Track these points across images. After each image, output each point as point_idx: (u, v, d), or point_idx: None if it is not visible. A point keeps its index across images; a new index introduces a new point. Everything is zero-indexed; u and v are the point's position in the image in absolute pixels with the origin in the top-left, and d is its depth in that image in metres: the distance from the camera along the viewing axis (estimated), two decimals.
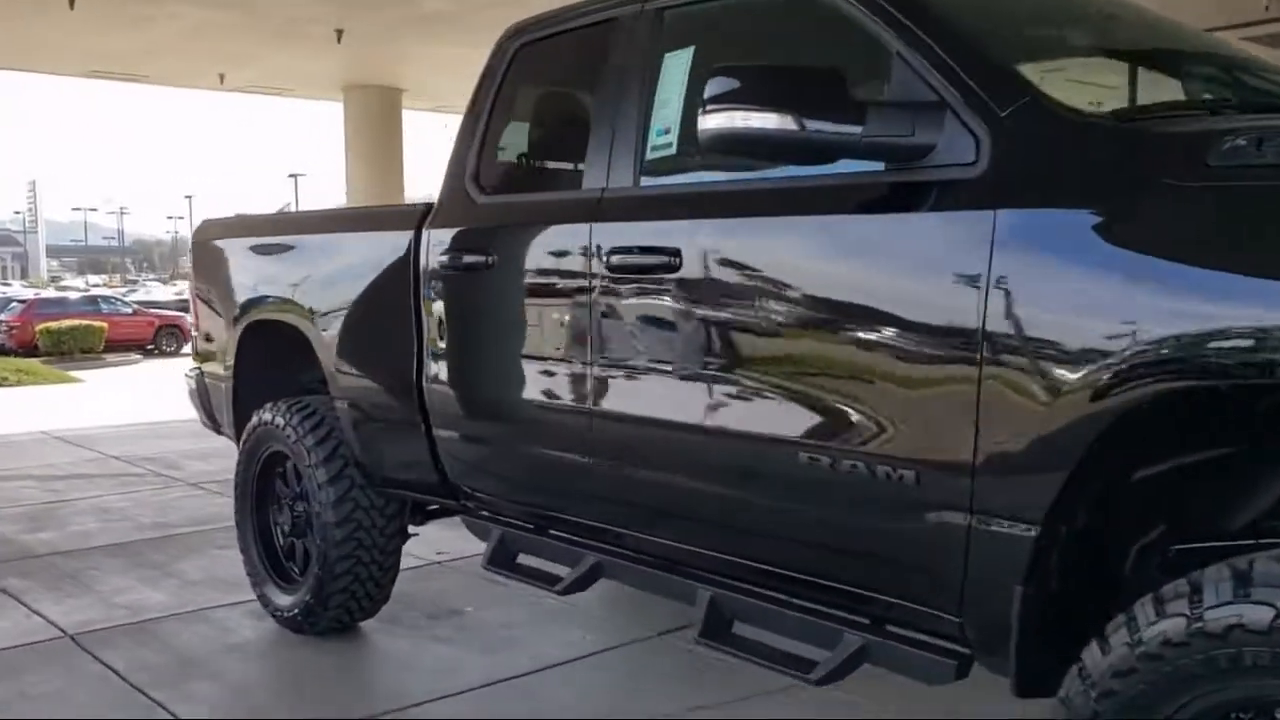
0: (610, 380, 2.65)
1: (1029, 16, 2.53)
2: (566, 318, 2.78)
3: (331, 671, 3.60)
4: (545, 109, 3.38)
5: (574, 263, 2.74)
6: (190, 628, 4.00)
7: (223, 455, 7.12)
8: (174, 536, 5.40)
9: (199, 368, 4.55)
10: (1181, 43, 2.71)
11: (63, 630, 3.97)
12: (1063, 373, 1.77)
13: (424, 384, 3.26)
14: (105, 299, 26.44)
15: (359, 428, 3.57)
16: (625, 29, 2.79)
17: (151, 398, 12.06)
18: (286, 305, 3.85)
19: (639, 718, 3.16)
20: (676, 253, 2.44)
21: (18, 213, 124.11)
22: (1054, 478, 1.80)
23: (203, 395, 4.52)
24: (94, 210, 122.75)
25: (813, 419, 2.20)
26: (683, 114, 2.58)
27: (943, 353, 1.94)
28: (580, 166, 2.90)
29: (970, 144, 1.97)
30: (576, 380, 2.74)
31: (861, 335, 2.09)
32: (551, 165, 3.40)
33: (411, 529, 3.87)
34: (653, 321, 2.54)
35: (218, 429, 4.53)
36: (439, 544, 4.77)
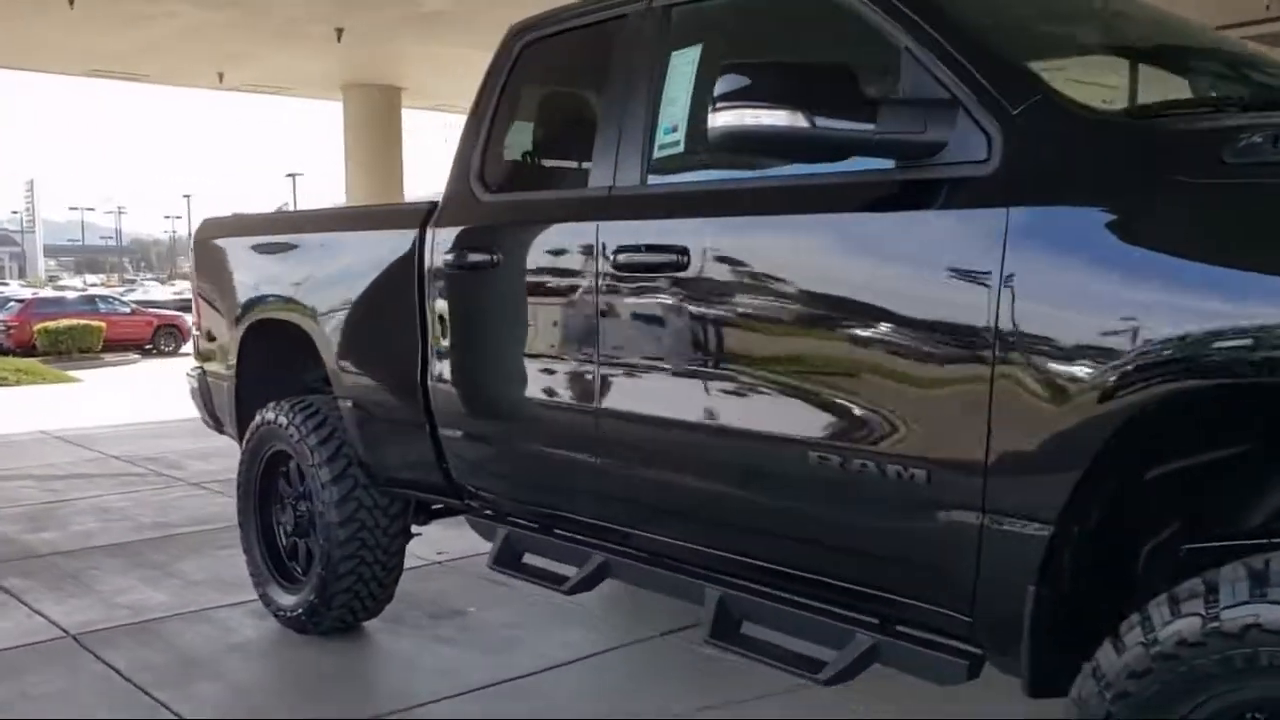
0: (617, 379, 2.64)
1: (1040, 14, 2.52)
2: (572, 316, 2.76)
3: (336, 671, 3.59)
4: (551, 107, 3.37)
5: (580, 261, 2.73)
6: (193, 628, 3.99)
7: (223, 455, 7.11)
8: (175, 536, 5.38)
9: (201, 367, 4.54)
10: (1191, 40, 2.70)
11: (65, 630, 3.95)
12: (1077, 371, 1.76)
13: (429, 383, 3.25)
14: (103, 298, 26.41)
15: (363, 427, 3.56)
16: (632, 26, 2.78)
17: (151, 397, 12.04)
18: (289, 304, 3.84)
19: (646, 718, 3.15)
20: (684, 251, 2.43)
21: (15, 212, 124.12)
22: (1068, 477, 1.79)
23: (205, 394, 4.51)
24: (91, 210, 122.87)
25: (822, 418, 2.18)
26: (690, 112, 2.57)
27: (954, 351, 1.93)
28: (586, 165, 2.89)
29: (982, 141, 1.96)
30: (582, 379, 2.73)
31: (871, 334, 2.08)
32: (557, 163, 3.39)
33: (414, 529, 3.86)
34: (660, 320, 2.53)
35: (220, 428, 4.52)
36: (439, 544, 4.76)
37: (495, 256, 3.00)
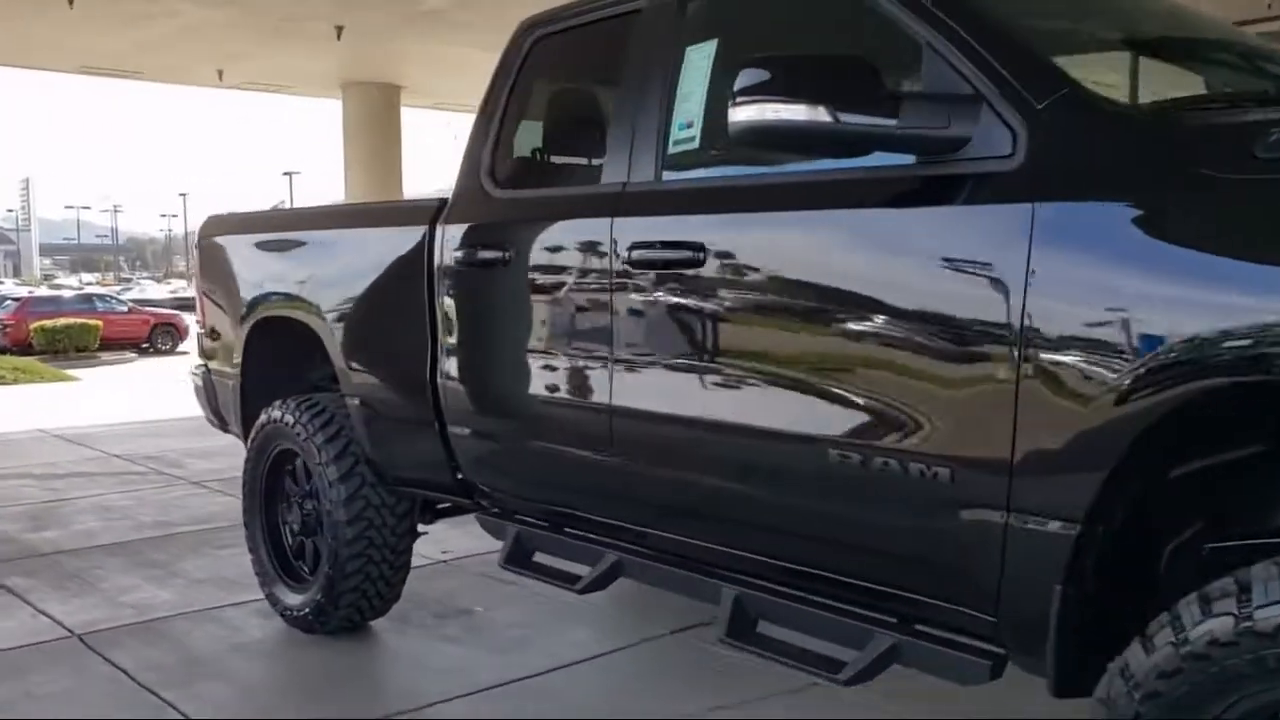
0: (632, 376, 2.62)
1: (1062, 7, 2.50)
2: (585, 314, 2.74)
3: (344, 671, 3.57)
4: (562, 102, 3.35)
5: (594, 258, 2.71)
6: (198, 627, 3.96)
7: (224, 453, 7.09)
8: (178, 535, 5.35)
9: (205, 365, 4.51)
10: (1212, 35, 2.68)
11: (69, 630, 3.93)
12: (1105, 369, 1.74)
13: (438, 381, 3.23)
14: (100, 297, 26.36)
15: (371, 425, 3.54)
16: (646, 21, 2.76)
17: (149, 396, 12.01)
18: (296, 302, 3.81)
19: (659, 718, 3.13)
20: (701, 248, 2.41)
21: (10, 210, 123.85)
22: (1096, 475, 1.77)
23: (209, 392, 4.48)
24: (87, 208, 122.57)
25: (842, 416, 2.16)
26: (706, 107, 2.55)
27: (978, 349, 1.91)
28: (598, 161, 2.87)
29: (1007, 136, 1.94)
30: (596, 376, 2.71)
31: (893, 332, 2.06)
32: (570, 160, 3.37)
33: (420, 527, 3.83)
34: (676, 317, 2.51)
35: (224, 427, 4.50)
36: (444, 543, 4.74)
37: (506, 253, 2.97)
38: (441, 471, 3.33)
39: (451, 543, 4.78)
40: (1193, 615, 1.64)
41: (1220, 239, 1.69)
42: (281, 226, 4.21)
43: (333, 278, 3.68)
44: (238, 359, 4.12)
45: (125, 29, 12.91)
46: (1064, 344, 1.80)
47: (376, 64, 15.43)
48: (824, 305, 2.21)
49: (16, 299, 25.40)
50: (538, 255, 2.93)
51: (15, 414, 10.35)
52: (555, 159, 3.34)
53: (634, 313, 2.60)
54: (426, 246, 3.24)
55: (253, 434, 4.00)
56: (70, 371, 16.76)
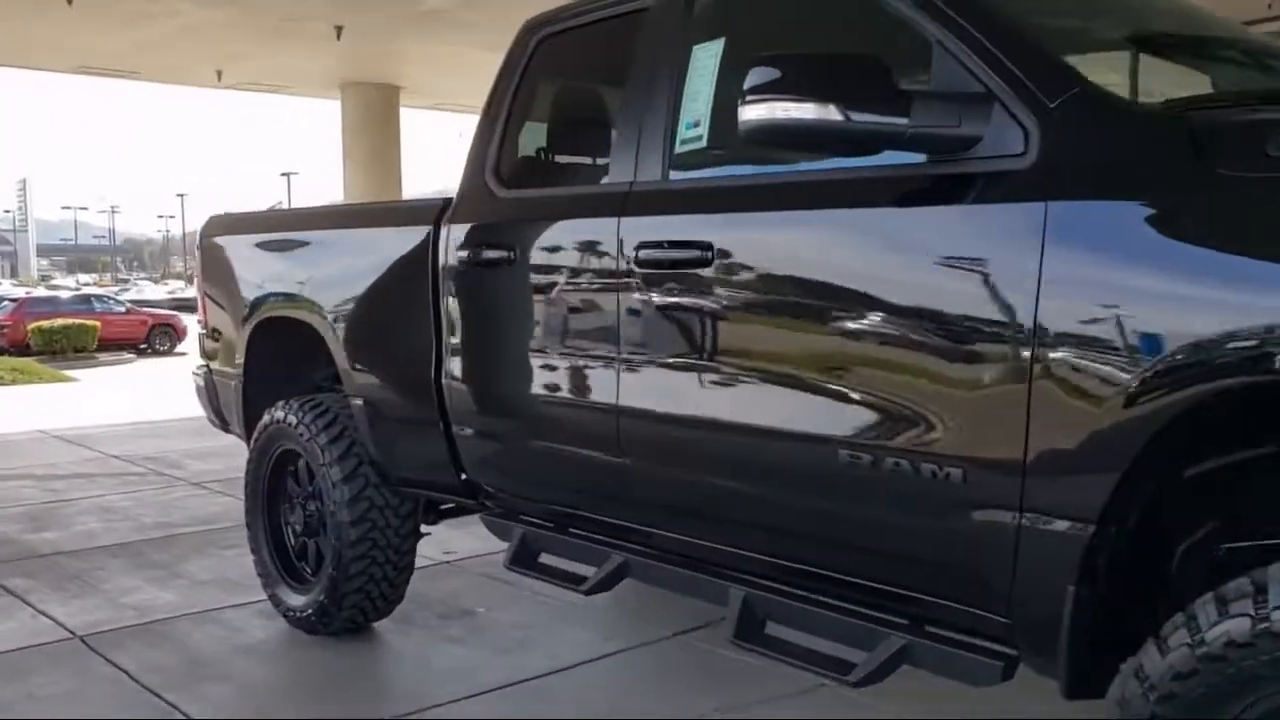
0: (639, 376, 2.60)
1: (1074, 7, 2.49)
2: (592, 313, 2.73)
3: (348, 672, 3.55)
4: (568, 102, 3.34)
5: (600, 258, 2.70)
6: (201, 628, 3.95)
7: (223, 454, 7.08)
8: (179, 536, 5.34)
9: (207, 365, 4.50)
10: (1222, 34, 2.67)
11: (71, 631, 3.91)
12: (1119, 368, 1.73)
13: (443, 381, 3.22)
14: (98, 298, 26.33)
15: (375, 426, 3.52)
16: (652, 20, 2.75)
17: (148, 397, 11.99)
18: (299, 302, 3.80)
19: (670, 717, 3.12)
20: (709, 247, 2.40)
21: (8, 211, 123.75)
22: (1110, 475, 1.76)
23: (211, 393, 4.47)
24: (84, 209, 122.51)
25: (852, 417, 2.15)
26: (713, 106, 2.54)
27: (991, 349, 1.90)
28: (604, 160, 2.85)
29: (1019, 135, 1.93)
30: (603, 377, 2.69)
31: (904, 332, 2.05)
32: (576, 159, 3.36)
33: (423, 528, 3.82)
34: (684, 317, 2.50)
35: (226, 427, 4.48)
36: (446, 544, 4.73)
37: (512, 253, 2.96)
38: (446, 472, 3.32)
39: (453, 543, 4.77)
40: (1209, 616, 1.63)
41: (1235, 238, 1.68)
42: (284, 226, 4.20)
43: (337, 278, 3.67)
44: (240, 359, 4.11)
45: (124, 28, 12.88)
46: (1077, 344, 1.79)
47: (376, 64, 15.41)
48: (832, 305, 2.19)
49: (14, 300, 25.35)
50: (543, 255, 2.92)
51: (14, 415, 10.32)
52: (560, 158, 3.33)
53: (641, 312, 2.58)
54: (431, 246, 3.23)
55: (255, 434, 3.98)
56: (68, 372, 16.73)
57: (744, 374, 2.37)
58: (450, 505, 3.65)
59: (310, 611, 3.75)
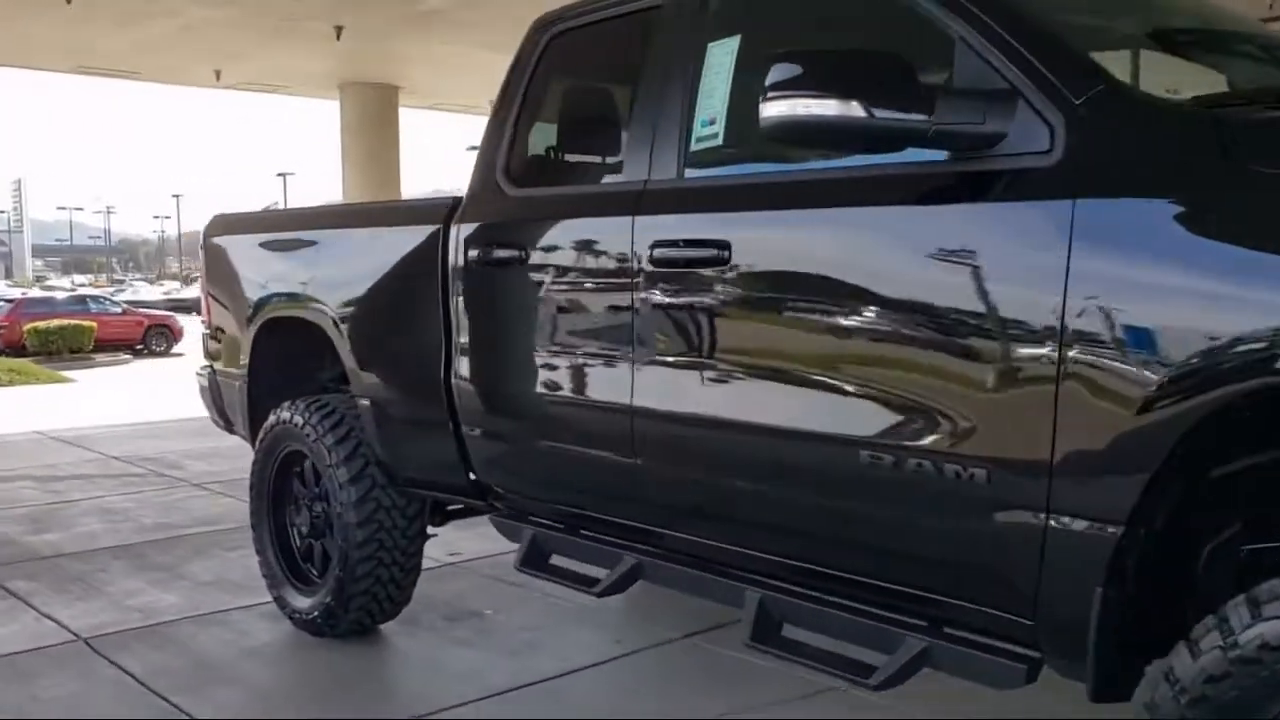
0: (654, 377, 2.58)
1: (1098, 3, 2.47)
2: (605, 313, 2.71)
3: (354, 675, 3.52)
4: (579, 100, 3.31)
5: (614, 257, 2.68)
6: (206, 630, 3.92)
7: (224, 455, 7.06)
8: (181, 537, 5.30)
9: (211, 365, 4.47)
10: (1244, 31, 2.65)
11: (75, 634, 3.88)
12: (1149, 368, 1.71)
13: (453, 382, 3.19)
14: (94, 298, 26.23)
15: (382, 426, 3.50)
16: (666, 17, 2.73)
17: (146, 397, 11.96)
18: (305, 302, 3.77)
19: (682, 717, 3.10)
20: (726, 246, 2.37)
21: (3, 212, 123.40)
22: (1140, 476, 1.74)
23: (215, 393, 4.44)
24: (80, 210, 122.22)
25: (873, 417, 2.13)
26: (729, 104, 2.52)
27: (1017, 348, 1.88)
28: (616, 159, 2.83)
29: (1044, 132, 1.91)
30: (616, 377, 2.67)
31: (926, 332, 2.03)
32: (588, 157, 3.33)
33: (430, 529, 3.79)
34: (700, 317, 2.47)
35: (230, 428, 4.45)
36: (452, 545, 4.70)
37: (523, 252, 2.94)
38: (455, 473, 3.29)
39: (459, 545, 4.74)
40: (1242, 618, 1.61)
41: (1267, 236, 1.66)
42: (290, 226, 4.17)
43: (344, 278, 3.64)
44: (245, 360, 4.08)
45: (124, 28, 12.85)
46: (1106, 343, 1.76)
47: (375, 64, 15.39)
48: (851, 305, 2.16)
49: (10, 300, 25.25)
50: (555, 254, 2.89)
51: (12, 416, 10.28)
52: (572, 157, 3.30)
53: (656, 312, 2.56)
54: (441, 246, 3.20)
55: (261, 435, 3.95)
56: (65, 373, 16.66)
57: (762, 374, 2.35)
58: (458, 506, 3.62)
59: (316, 613, 3.73)
